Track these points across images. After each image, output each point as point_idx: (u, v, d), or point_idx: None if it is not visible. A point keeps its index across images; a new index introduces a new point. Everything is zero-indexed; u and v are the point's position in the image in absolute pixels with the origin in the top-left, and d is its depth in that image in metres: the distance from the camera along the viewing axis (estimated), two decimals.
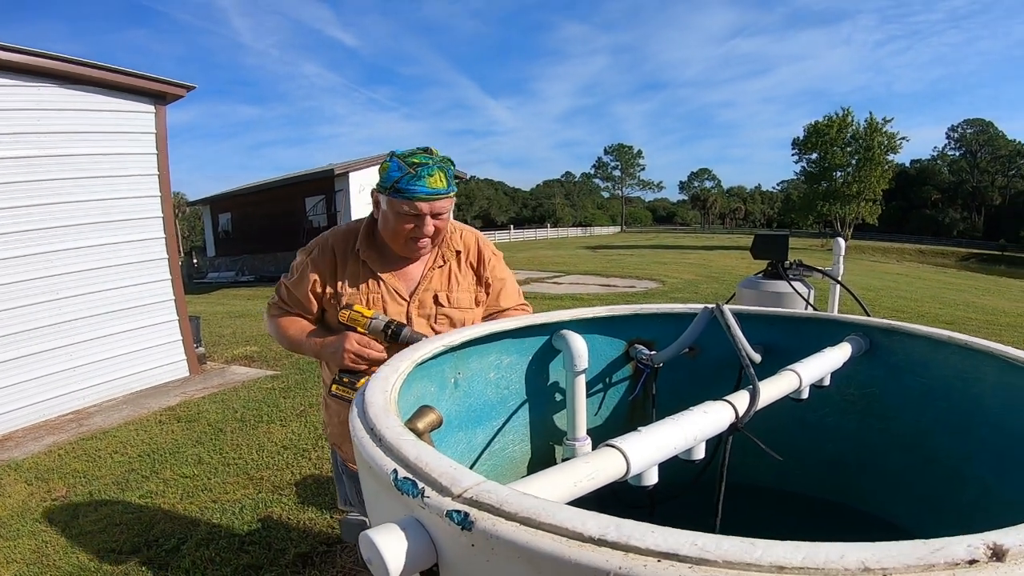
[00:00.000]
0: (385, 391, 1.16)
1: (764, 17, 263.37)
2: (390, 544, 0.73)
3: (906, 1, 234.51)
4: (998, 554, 0.58)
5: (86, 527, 4.20)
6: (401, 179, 2.03)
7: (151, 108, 7.92)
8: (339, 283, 2.25)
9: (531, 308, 2.52)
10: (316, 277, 2.26)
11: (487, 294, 2.42)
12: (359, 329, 2.14)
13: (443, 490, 0.76)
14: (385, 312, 2.22)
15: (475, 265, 2.40)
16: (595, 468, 1.02)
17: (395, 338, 2.11)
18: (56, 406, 6.91)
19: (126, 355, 7.66)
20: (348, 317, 2.16)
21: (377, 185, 2.13)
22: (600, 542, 0.63)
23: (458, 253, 2.37)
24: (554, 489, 0.93)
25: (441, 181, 2.08)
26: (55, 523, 4.30)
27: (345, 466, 2.45)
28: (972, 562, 0.57)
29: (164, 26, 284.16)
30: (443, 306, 2.30)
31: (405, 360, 1.39)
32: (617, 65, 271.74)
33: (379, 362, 2.13)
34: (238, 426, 6.17)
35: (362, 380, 2.15)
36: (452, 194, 2.16)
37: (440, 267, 2.32)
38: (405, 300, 2.27)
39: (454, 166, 2.19)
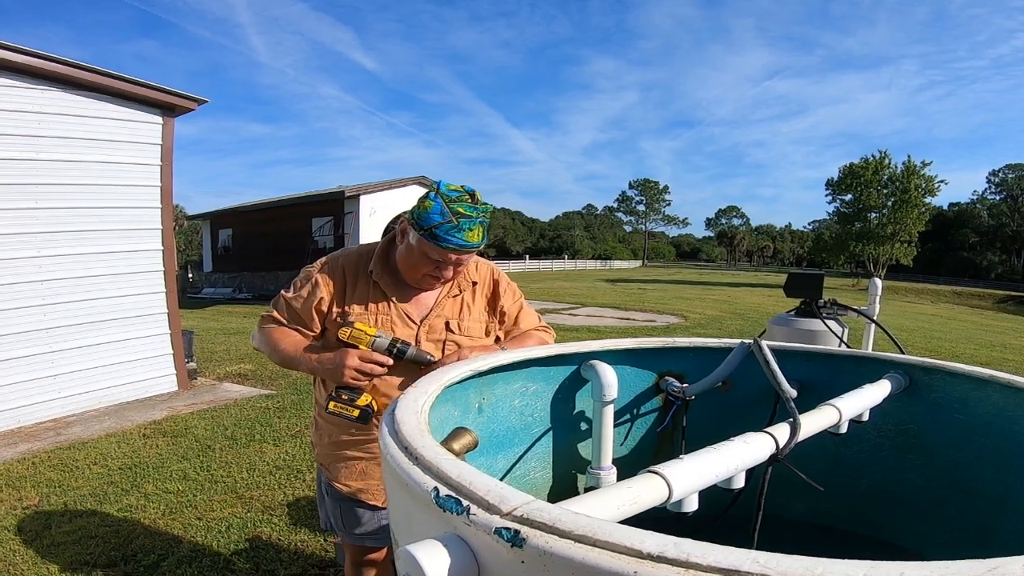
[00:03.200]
0: (416, 412, 1.19)
1: (802, 59, 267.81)
2: (432, 559, 0.75)
3: (950, 48, 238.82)
4: None
5: (59, 538, 4.11)
6: (440, 226, 2.06)
7: (159, 119, 8.00)
8: (348, 304, 2.29)
9: (552, 331, 2.59)
10: (324, 295, 2.29)
11: (500, 324, 2.50)
12: (361, 346, 2.15)
13: (490, 508, 0.78)
14: (394, 335, 2.24)
15: (489, 296, 2.48)
16: (637, 493, 1.04)
17: (400, 356, 2.15)
18: (33, 413, 6.86)
19: (112, 366, 7.62)
20: (349, 335, 2.17)
21: (411, 216, 2.15)
22: (660, 559, 0.65)
23: (474, 284, 2.44)
24: (598, 511, 0.94)
25: (478, 236, 2.11)
26: (25, 532, 4.21)
27: (330, 486, 2.45)
28: None
29: (177, 39, 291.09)
30: (453, 333, 2.36)
31: (434, 383, 1.42)
32: (647, 101, 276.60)
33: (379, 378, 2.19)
34: (228, 444, 6.09)
35: (362, 398, 2.18)
36: (483, 246, 2.19)
37: (455, 296, 2.39)
38: (415, 324, 2.32)
39: (492, 215, 2.22)
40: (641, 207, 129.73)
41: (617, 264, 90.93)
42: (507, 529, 0.73)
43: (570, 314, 19.68)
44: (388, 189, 26.31)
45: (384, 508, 2.40)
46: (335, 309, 2.29)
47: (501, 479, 1.72)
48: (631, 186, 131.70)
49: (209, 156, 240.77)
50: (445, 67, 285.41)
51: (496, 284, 2.48)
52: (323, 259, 2.38)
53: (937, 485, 1.80)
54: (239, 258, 31.58)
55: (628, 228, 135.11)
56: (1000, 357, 13.25)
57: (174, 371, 8.32)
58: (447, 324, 2.34)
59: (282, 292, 2.39)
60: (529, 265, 68.69)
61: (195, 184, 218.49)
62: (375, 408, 2.19)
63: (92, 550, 3.95)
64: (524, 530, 0.72)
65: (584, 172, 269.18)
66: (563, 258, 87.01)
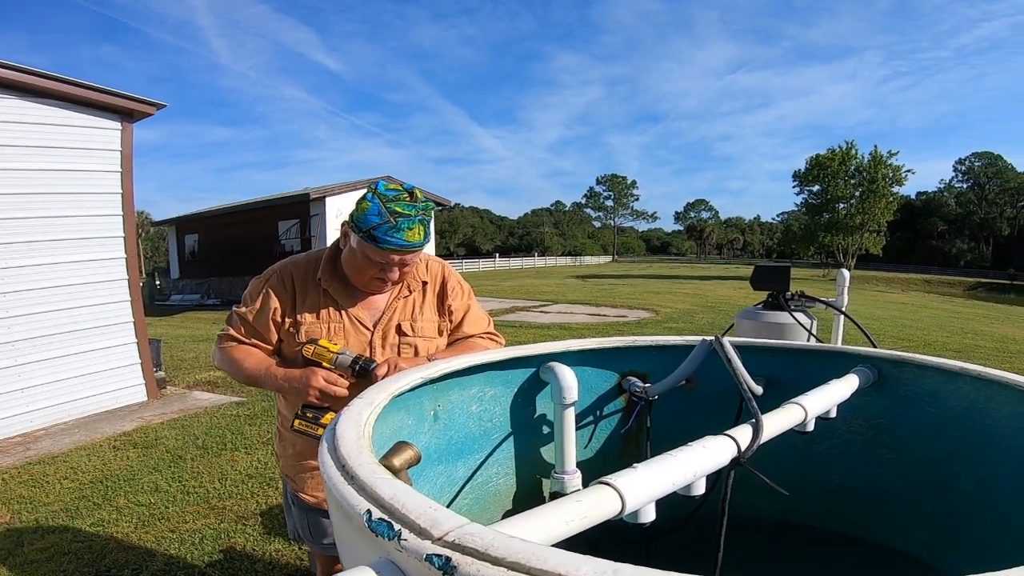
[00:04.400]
0: (358, 426, 1.15)
1: (766, 52, 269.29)
2: None
3: (913, 38, 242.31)
4: None
5: (31, 555, 4.09)
6: (379, 227, 2.04)
7: (117, 125, 7.93)
8: (299, 313, 2.27)
9: (503, 339, 2.56)
10: (276, 306, 2.27)
11: (451, 322, 2.47)
12: (324, 364, 2.15)
13: (422, 532, 0.75)
14: (347, 342, 2.25)
15: (439, 294, 2.46)
16: (588, 507, 1.01)
17: (363, 374, 2.13)
18: (1, 428, 6.78)
19: (79, 377, 7.56)
20: (313, 352, 2.17)
21: (351, 220, 2.14)
22: None
23: (424, 284, 2.42)
24: (544, 529, 0.93)
25: (418, 234, 2.10)
26: None
27: (296, 497, 2.45)
28: None
29: (137, 43, 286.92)
30: (407, 335, 2.35)
31: (381, 393, 1.38)
32: (612, 96, 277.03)
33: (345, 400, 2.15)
34: (199, 453, 6.07)
35: (326, 416, 2.16)
36: (426, 244, 2.18)
37: (405, 297, 2.38)
38: (369, 330, 2.32)
39: (433, 212, 2.23)
40: (609, 202, 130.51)
41: (587, 260, 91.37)
42: (438, 556, 0.69)
43: (541, 311, 19.62)
44: (354, 190, 26.19)
45: None
46: (287, 319, 2.27)
47: (462, 487, 1.73)
48: (599, 182, 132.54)
49: (173, 161, 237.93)
50: (408, 66, 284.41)
51: (445, 282, 2.46)
52: (270, 269, 2.36)
53: (910, 481, 1.80)
54: (206, 264, 31.29)
55: (597, 224, 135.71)
56: (972, 344, 13.39)
57: (143, 381, 8.26)
58: (399, 327, 2.34)
59: (234, 308, 2.37)
60: (499, 263, 68.56)
61: (160, 190, 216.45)
62: None
63: (66, 567, 3.94)
64: (456, 557, 0.68)
65: (551, 169, 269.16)
66: (533, 255, 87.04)
